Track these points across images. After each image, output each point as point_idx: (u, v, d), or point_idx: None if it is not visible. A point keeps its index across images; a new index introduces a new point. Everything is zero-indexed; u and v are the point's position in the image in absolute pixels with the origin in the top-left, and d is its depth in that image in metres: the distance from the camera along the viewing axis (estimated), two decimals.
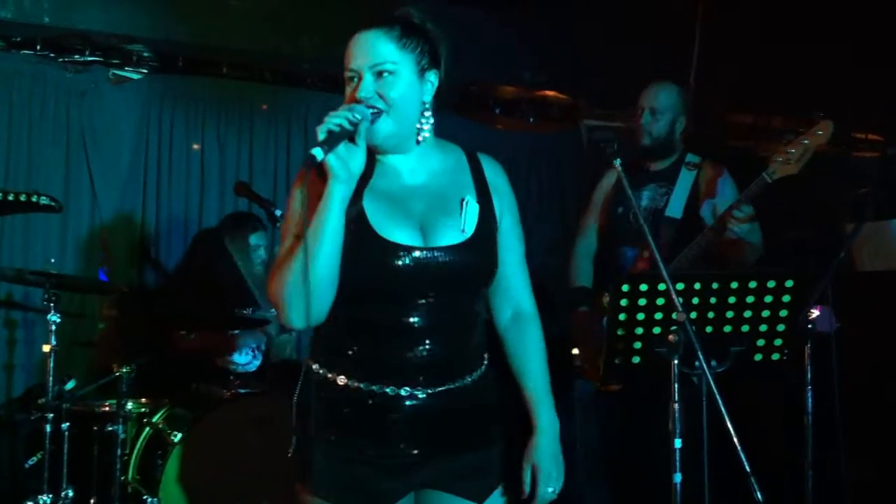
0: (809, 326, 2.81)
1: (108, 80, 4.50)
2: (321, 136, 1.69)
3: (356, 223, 1.81)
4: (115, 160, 4.48)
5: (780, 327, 2.45)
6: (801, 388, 2.85)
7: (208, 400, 3.56)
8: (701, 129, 4.63)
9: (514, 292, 2.02)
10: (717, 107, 5.43)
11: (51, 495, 3.22)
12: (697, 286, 2.37)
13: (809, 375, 2.84)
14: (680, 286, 2.33)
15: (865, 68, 4.77)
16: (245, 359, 3.90)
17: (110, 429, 3.36)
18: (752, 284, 2.40)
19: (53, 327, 3.22)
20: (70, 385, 3.33)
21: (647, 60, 4.62)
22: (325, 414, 1.85)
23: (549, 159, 5.56)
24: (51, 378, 3.21)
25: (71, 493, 3.29)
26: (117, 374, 3.32)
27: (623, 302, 2.38)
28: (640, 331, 2.40)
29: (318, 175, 1.76)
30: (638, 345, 2.42)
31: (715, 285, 2.39)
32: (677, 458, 2.15)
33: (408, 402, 1.84)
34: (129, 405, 3.46)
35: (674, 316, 2.21)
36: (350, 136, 1.73)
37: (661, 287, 2.32)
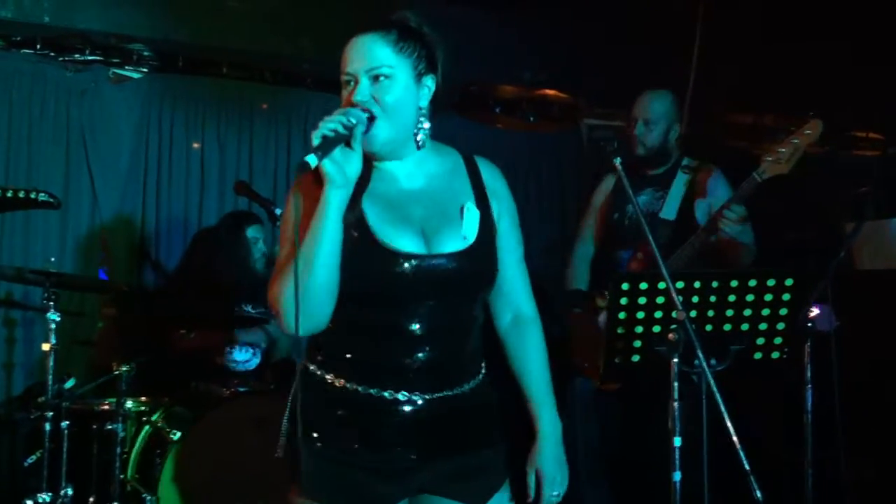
0: (809, 325, 2.81)
1: (108, 80, 4.50)
2: (315, 142, 1.68)
3: (357, 229, 1.80)
4: (115, 159, 4.48)
5: (780, 326, 2.45)
6: (801, 386, 2.84)
7: (208, 399, 3.56)
8: (700, 129, 4.64)
9: (513, 295, 2.02)
10: (717, 107, 5.43)
11: (50, 494, 3.22)
12: (697, 285, 2.38)
13: (809, 374, 2.83)
14: (680, 285, 2.34)
15: (866, 67, 4.77)
16: (244, 356, 3.89)
17: (110, 427, 3.36)
18: (753, 283, 2.40)
19: (53, 326, 3.23)
20: (69, 384, 3.33)
21: (647, 60, 4.62)
22: (321, 416, 1.84)
23: (550, 159, 5.55)
24: (50, 377, 3.21)
25: (70, 492, 3.28)
26: (117, 372, 3.32)
27: (623, 301, 2.38)
28: (640, 329, 2.41)
29: (315, 180, 1.74)
30: (638, 343, 2.42)
31: (715, 284, 2.39)
32: (677, 456, 2.15)
33: (405, 407, 1.83)
34: (129, 404, 3.46)
35: (674, 314, 2.21)
36: (346, 140, 1.72)
37: (661, 286, 2.32)
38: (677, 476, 2.15)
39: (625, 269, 3.36)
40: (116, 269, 4.46)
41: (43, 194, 2.99)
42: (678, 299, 2.15)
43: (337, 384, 1.84)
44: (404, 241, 1.81)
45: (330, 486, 1.83)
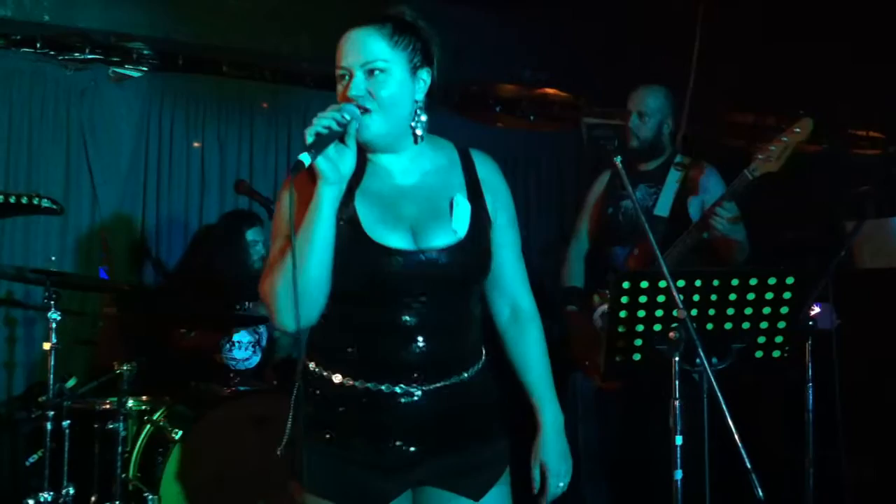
0: (810, 324, 2.82)
1: (108, 79, 4.49)
2: (309, 139, 1.67)
3: (348, 225, 1.80)
4: (116, 158, 4.47)
5: (781, 325, 2.45)
6: (802, 385, 2.85)
7: (209, 398, 3.56)
8: (700, 128, 4.64)
9: (511, 289, 2.01)
10: (717, 106, 5.44)
11: (52, 493, 3.22)
12: (698, 283, 2.37)
13: (810, 373, 2.84)
14: (681, 283, 2.34)
15: (865, 66, 4.77)
16: (244, 354, 3.89)
17: (111, 426, 3.36)
18: (753, 282, 2.40)
19: (54, 325, 3.22)
20: (71, 383, 3.34)
21: (647, 59, 4.63)
22: (321, 412, 1.85)
23: (550, 158, 5.56)
24: (51, 376, 3.21)
25: (72, 491, 3.29)
26: (118, 371, 3.32)
27: (624, 299, 2.38)
28: (640, 328, 2.40)
29: (308, 175, 1.73)
30: (639, 342, 2.42)
31: (716, 282, 2.39)
32: (678, 455, 2.15)
33: (402, 400, 1.83)
34: (130, 403, 3.46)
35: (675, 313, 2.21)
36: (340, 136, 1.71)
37: (662, 284, 2.32)
38: (679, 474, 2.15)
39: (622, 265, 3.38)
40: (117, 268, 4.46)
41: (46, 200, 2.99)
42: (679, 298, 2.15)
43: (335, 380, 1.84)
44: (394, 237, 1.81)
45: (331, 481, 1.84)
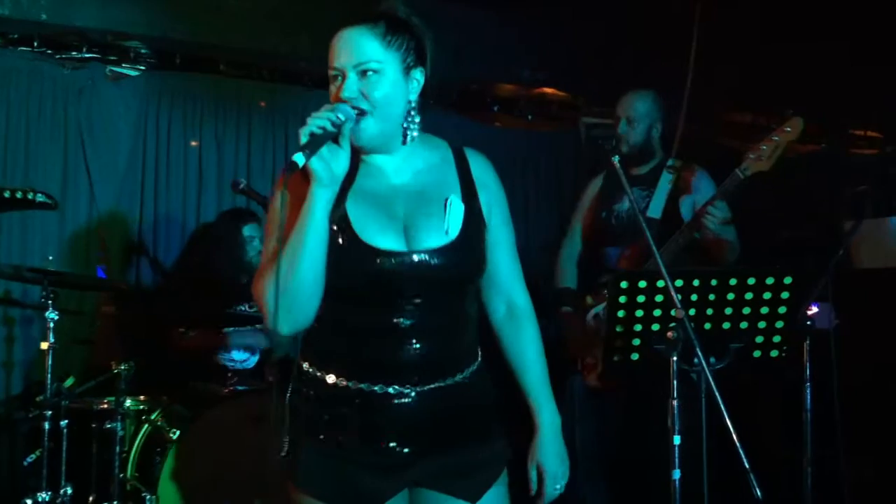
0: (808, 323, 2.82)
1: (105, 77, 4.48)
2: (303, 140, 1.66)
3: (339, 226, 1.79)
4: (113, 157, 4.46)
5: (779, 324, 2.45)
6: (800, 385, 2.85)
7: (206, 397, 3.56)
8: (698, 128, 4.64)
9: (506, 287, 2.01)
10: (715, 106, 5.44)
11: (49, 492, 3.22)
12: (696, 283, 2.38)
13: (808, 372, 2.84)
14: (679, 283, 2.34)
15: (863, 66, 4.78)
16: (242, 356, 3.89)
17: (109, 426, 3.36)
18: (752, 281, 2.40)
19: (52, 324, 3.22)
20: (68, 382, 3.33)
21: (645, 59, 4.63)
22: (316, 412, 1.84)
23: (548, 157, 5.56)
24: (49, 375, 3.21)
25: (70, 491, 3.28)
26: (116, 371, 3.32)
27: (622, 299, 2.38)
28: (639, 328, 2.40)
29: (302, 176, 1.72)
30: (637, 342, 2.42)
31: (714, 282, 2.39)
32: (676, 454, 2.15)
33: (396, 401, 1.82)
34: (128, 402, 3.46)
35: (672, 313, 2.21)
36: (333, 137, 1.70)
37: (660, 284, 2.32)
38: (677, 474, 2.15)
39: (614, 266, 3.39)
40: (114, 267, 4.45)
41: (40, 195, 2.99)
42: (677, 298, 2.15)
43: (328, 381, 1.84)
44: (385, 239, 1.80)
45: (326, 481, 1.83)
